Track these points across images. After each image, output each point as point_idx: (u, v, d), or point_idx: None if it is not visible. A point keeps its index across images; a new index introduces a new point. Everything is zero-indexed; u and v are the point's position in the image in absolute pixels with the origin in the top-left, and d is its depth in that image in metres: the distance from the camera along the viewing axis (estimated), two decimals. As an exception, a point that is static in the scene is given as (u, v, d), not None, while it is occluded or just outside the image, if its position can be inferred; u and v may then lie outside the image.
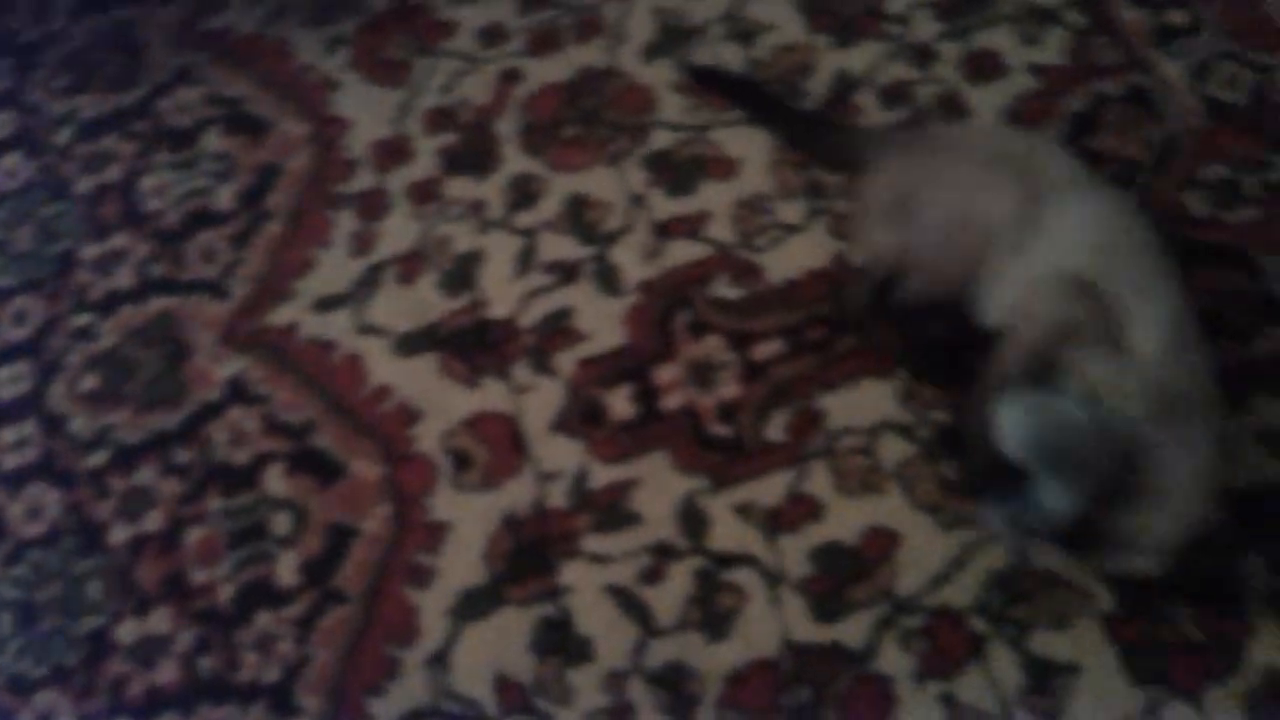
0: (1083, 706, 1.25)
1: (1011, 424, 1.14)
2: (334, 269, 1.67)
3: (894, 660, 1.30)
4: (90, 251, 1.77)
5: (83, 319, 1.72)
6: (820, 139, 1.60)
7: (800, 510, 1.40)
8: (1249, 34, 1.59)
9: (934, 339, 1.42)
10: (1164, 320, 1.20)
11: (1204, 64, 1.58)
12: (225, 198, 1.77)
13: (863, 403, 1.44)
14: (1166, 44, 1.61)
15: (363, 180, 1.73)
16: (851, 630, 1.33)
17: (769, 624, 1.35)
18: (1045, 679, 1.27)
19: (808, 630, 1.34)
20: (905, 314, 1.41)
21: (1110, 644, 1.27)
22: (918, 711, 1.28)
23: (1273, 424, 1.34)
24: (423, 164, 1.73)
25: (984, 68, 1.64)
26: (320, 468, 1.55)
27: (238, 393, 1.62)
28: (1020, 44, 1.64)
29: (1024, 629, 1.29)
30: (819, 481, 1.41)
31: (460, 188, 1.70)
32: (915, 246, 1.36)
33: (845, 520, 1.39)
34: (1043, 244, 1.26)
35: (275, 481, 1.55)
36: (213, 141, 1.83)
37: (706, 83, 1.68)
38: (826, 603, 1.35)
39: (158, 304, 1.72)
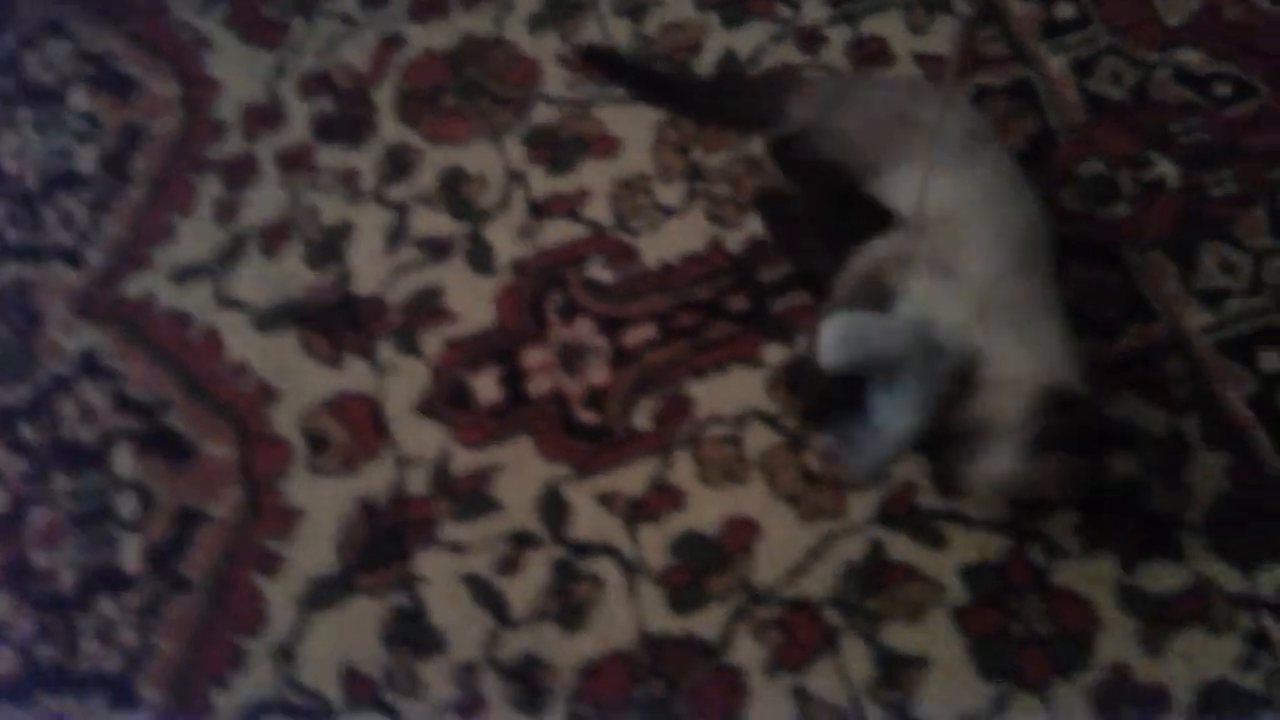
0: (931, 699, 1.26)
1: (831, 339, 1.14)
2: (195, 238, 1.63)
3: (747, 652, 1.31)
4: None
5: (-74, 284, 1.66)
6: (731, 96, 1.57)
7: (663, 500, 1.39)
8: (1135, 30, 1.61)
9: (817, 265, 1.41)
10: (1002, 244, 1.23)
11: (1088, 59, 1.60)
12: (88, 160, 1.72)
13: (731, 391, 1.44)
14: (1053, 37, 1.62)
15: (231, 145, 1.69)
16: (707, 622, 1.33)
17: (625, 615, 1.34)
18: (895, 671, 1.28)
19: (664, 621, 1.33)
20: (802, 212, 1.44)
21: (960, 637, 1.28)
22: (768, 703, 1.28)
23: (1132, 420, 1.37)
24: (295, 130, 1.69)
25: (871, 54, 1.64)
26: (171, 448, 1.51)
27: (89, 367, 1.57)
28: (908, 31, 1.65)
29: (877, 621, 1.30)
30: (683, 471, 1.41)
31: (333, 156, 1.66)
32: (841, 120, 1.36)
33: (707, 511, 1.38)
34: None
35: (124, 461, 1.51)
36: (79, 100, 1.77)
37: (597, 62, 1.66)
38: (684, 594, 1.34)
39: (11, 271, 1.66)
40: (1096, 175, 1.52)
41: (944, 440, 1.17)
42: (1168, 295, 1.43)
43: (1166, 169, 1.51)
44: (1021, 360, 1.17)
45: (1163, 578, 1.29)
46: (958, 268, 1.21)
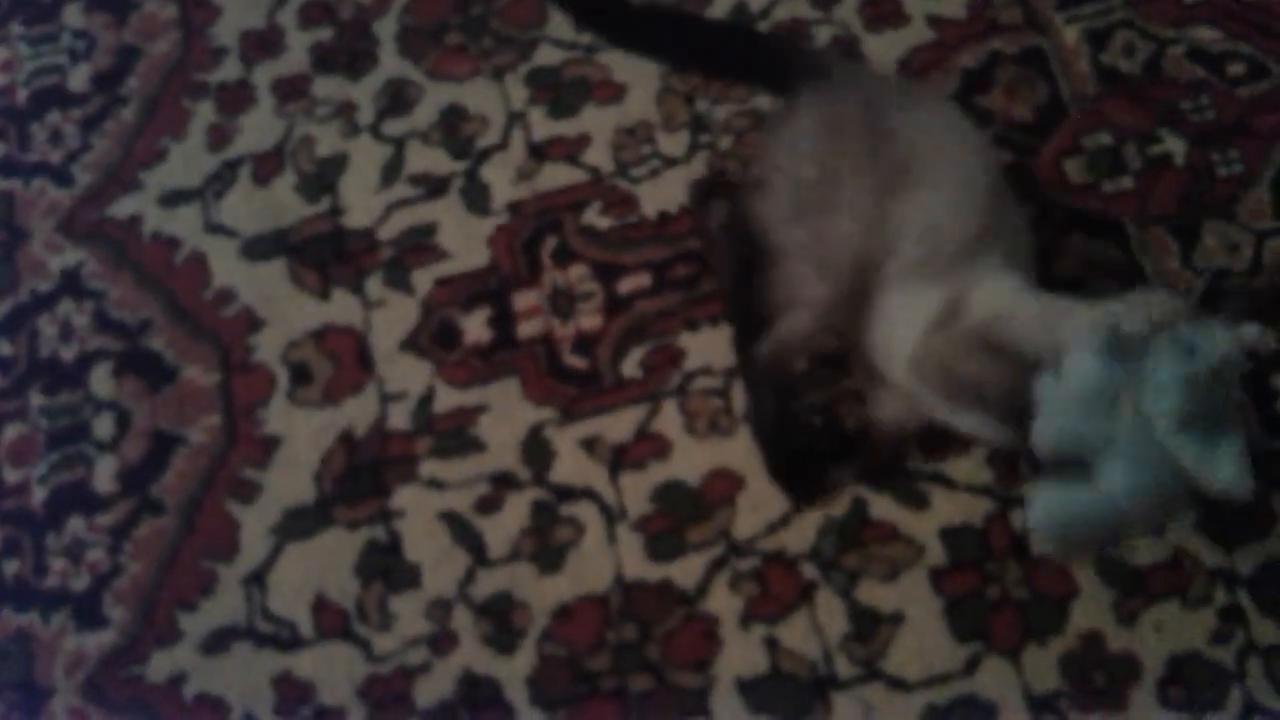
0: (902, 656, 1.31)
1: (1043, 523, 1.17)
2: (186, 162, 1.66)
3: (723, 601, 1.36)
4: (-73, 123, 1.75)
5: (-89, 194, 1.70)
6: (747, 51, 1.59)
7: (647, 448, 1.44)
8: (1152, 4, 1.65)
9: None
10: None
11: (1102, 30, 1.64)
12: (80, 78, 1.75)
13: (722, 344, 1.48)
14: (1068, 7, 1.66)
15: (227, 71, 1.72)
16: (684, 570, 1.38)
17: (603, 560, 1.39)
18: (869, 628, 1.33)
19: (641, 568, 1.38)
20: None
21: (936, 597, 1.33)
22: (741, 652, 1.33)
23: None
24: (293, 58, 1.72)
25: (884, 14, 1.68)
26: (151, 370, 1.55)
27: (71, 285, 1.61)
28: (915, -12, 1.69)
29: (854, 577, 1.35)
30: (669, 421, 1.45)
31: (330, 87, 1.69)
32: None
33: (691, 461, 1.43)
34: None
35: (102, 382, 1.55)
36: (74, 17, 1.80)
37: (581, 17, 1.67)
38: (662, 542, 1.39)
39: (-3, 186, 1.70)
40: (1103, 148, 1.56)
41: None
42: (1169, 271, 1.48)
43: (1174, 145, 1.55)
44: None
45: (1142, 550, 1.34)
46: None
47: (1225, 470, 1.08)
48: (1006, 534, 1.35)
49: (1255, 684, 1.28)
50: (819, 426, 1.44)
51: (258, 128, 1.68)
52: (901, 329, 1.28)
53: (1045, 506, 1.15)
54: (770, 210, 1.36)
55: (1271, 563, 1.33)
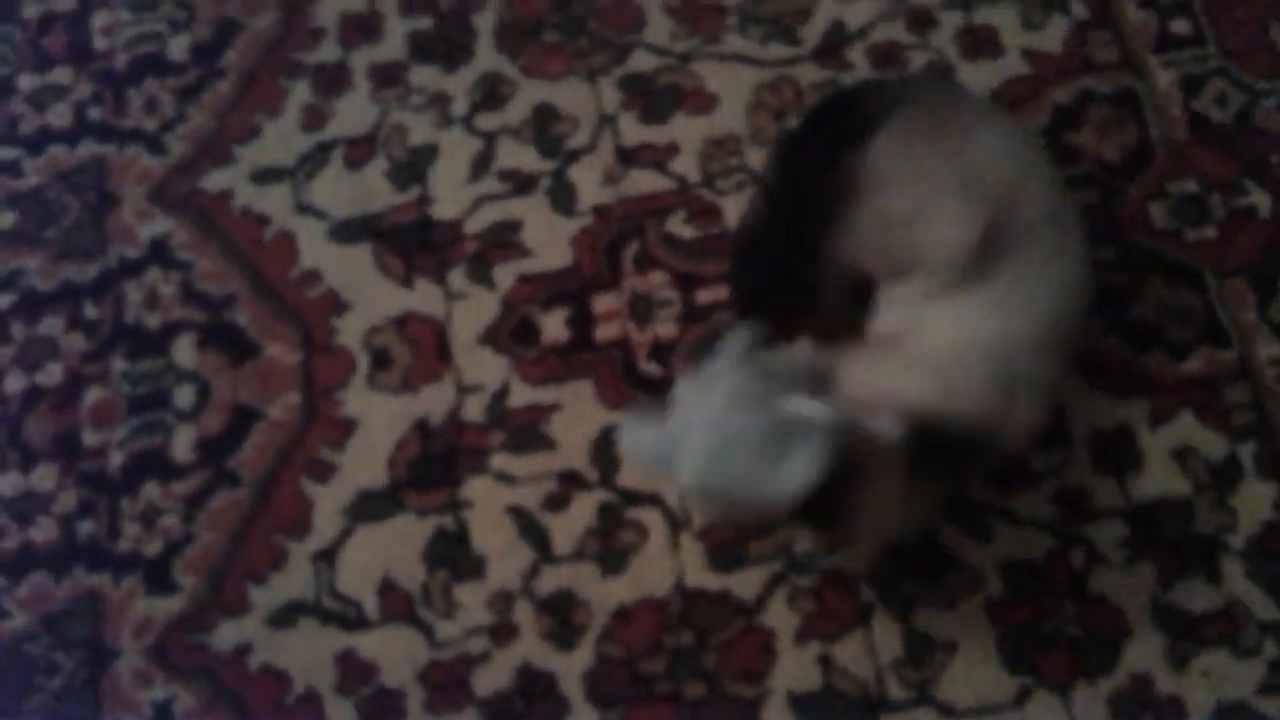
0: (954, 684, 1.40)
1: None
2: (280, 140, 1.77)
3: (780, 616, 1.45)
4: (28, 82, 1.86)
5: (9, 152, 1.81)
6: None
7: (716, 459, 1.54)
8: (1248, 54, 1.73)
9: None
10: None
11: (1197, 77, 1.71)
12: (179, 48, 1.86)
13: (796, 362, 1.58)
14: (1164, 51, 1.74)
15: (326, 52, 1.83)
16: (744, 582, 1.47)
17: (664, 566, 1.49)
18: (923, 653, 1.42)
19: (701, 577, 1.48)
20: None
21: (991, 628, 1.42)
22: (794, 666, 1.42)
23: (1190, 441, 1.50)
24: (391, 45, 1.82)
25: (980, 44, 1.76)
26: (234, 344, 1.66)
27: (159, 254, 1.72)
28: (1020, 26, 1.76)
29: (911, 603, 1.44)
30: (739, 433, 1.55)
31: (426, 77, 1.80)
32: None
33: (758, 475, 1.53)
34: None
35: (184, 352, 1.66)
36: (175, -15, 1.92)
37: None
38: (724, 553, 1.48)
39: (90, 149, 1.80)
40: (1189, 195, 1.64)
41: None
42: (1243, 323, 1.56)
43: (1259, 198, 1.63)
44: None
45: (1197, 597, 1.42)
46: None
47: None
48: (1065, 570, 1.44)
49: (1300, 738, 1.37)
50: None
51: (352, 111, 1.78)
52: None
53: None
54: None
55: (1325, 620, 1.42)
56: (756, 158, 1.70)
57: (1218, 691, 1.38)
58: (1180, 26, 1.76)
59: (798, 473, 1.12)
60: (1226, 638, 1.40)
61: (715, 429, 1.15)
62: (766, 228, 1.46)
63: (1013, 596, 1.43)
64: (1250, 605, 1.41)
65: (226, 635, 1.51)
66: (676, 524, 1.50)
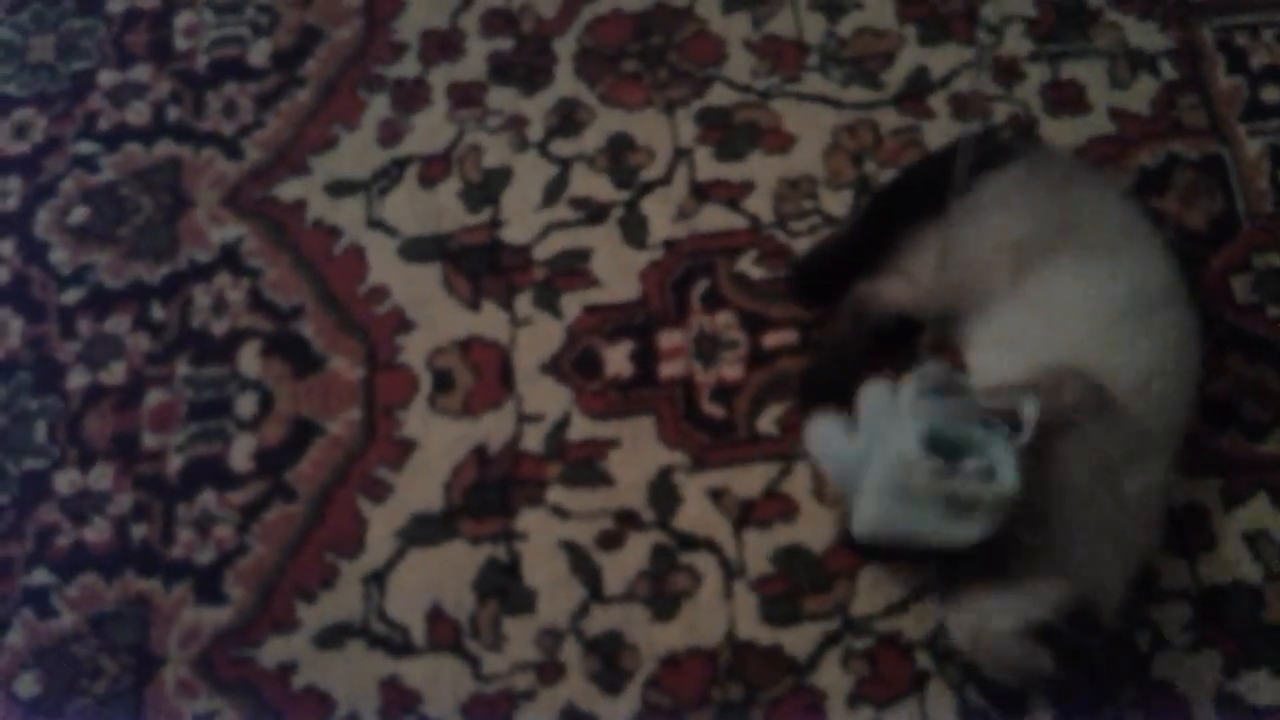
0: (1007, 763, 1.32)
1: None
2: (356, 154, 1.70)
3: (832, 676, 1.37)
4: (109, 78, 1.80)
5: (86, 147, 1.74)
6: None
7: (774, 508, 1.45)
8: (1340, 126, 1.63)
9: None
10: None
11: (1287, 148, 1.62)
12: (260, 53, 1.79)
13: (863, 414, 1.49)
14: (1253, 119, 1.64)
15: (406, 68, 1.76)
16: (797, 639, 1.39)
17: (717, 615, 1.41)
18: (977, 728, 1.34)
19: (754, 630, 1.40)
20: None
21: (1050, 708, 1.33)
22: (844, 732, 1.35)
23: (1263, 524, 1.41)
24: (471, 64, 1.75)
25: (1066, 99, 1.67)
26: (298, 356, 1.59)
27: (230, 260, 1.65)
28: (1108, 84, 1.67)
29: (968, 673, 1.35)
30: (799, 483, 1.46)
31: (504, 99, 1.72)
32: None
33: (817, 528, 1.44)
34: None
35: (249, 360, 1.60)
36: (260, -9, 1.85)
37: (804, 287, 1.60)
38: (779, 606, 1.40)
39: (167, 149, 1.74)
40: (1272, 269, 1.54)
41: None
42: (1323, 405, 1.46)
43: (1347, 273, 1.53)
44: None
45: (1263, 689, 1.33)
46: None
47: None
48: (1130, 654, 1.35)
49: None
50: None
51: (429, 129, 1.71)
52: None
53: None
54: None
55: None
56: (831, 200, 1.61)
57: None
58: (1271, 94, 1.66)
59: (975, 530, 1.13)
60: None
61: (899, 478, 1.14)
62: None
63: (1073, 676, 1.33)
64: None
65: (273, 651, 1.44)
66: (731, 572, 1.42)
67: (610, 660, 1.40)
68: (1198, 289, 1.42)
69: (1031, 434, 1.16)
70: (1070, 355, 1.29)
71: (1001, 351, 1.36)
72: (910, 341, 1.44)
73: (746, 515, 1.45)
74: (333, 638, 1.44)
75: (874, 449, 1.17)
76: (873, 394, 1.20)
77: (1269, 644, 1.35)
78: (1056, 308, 1.33)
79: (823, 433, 1.22)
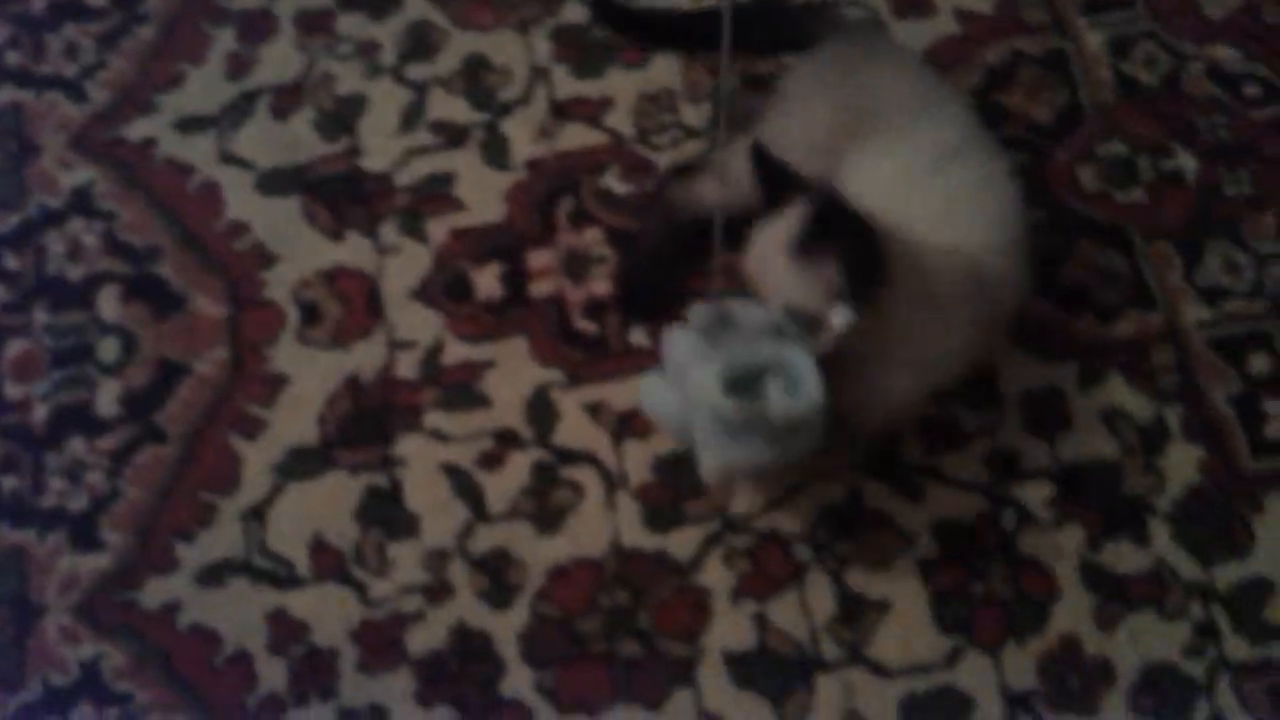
0: (887, 643, 1.34)
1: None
2: (204, 89, 1.63)
3: (716, 575, 1.37)
4: (-64, 23, 1.69)
5: (-80, 97, 1.64)
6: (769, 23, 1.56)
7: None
8: (1176, 18, 1.65)
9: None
10: None
11: (1126, 40, 1.64)
12: (99, -9, 1.71)
13: (732, 320, 1.48)
14: (1094, 12, 1.66)
15: (250, -1, 1.69)
16: (680, 542, 1.39)
17: (600, 525, 1.40)
18: (856, 612, 1.35)
19: (637, 536, 1.39)
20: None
21: (923, 589, 1.36)
22: (730, 627, 1.35)
23: (1118, 403, 1.44)
24: (318, -9, 1.69)
25: (913, 2, 1.66)
26: (159, 298, 1.53)
27: (81, 204, 1.58)
28: (965, -19, 1.68)
29: (845, 563, 1.37)
30: (675, 392, 1.46)
31: (354, 25, 1.66)
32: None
33: (694, 434, 1.44)
34: None
35: (109, 304, 1.53)
36: (94, -71, 1.75)
37: (607, 19, 1.64)
38: (661, 513, 1.40)
39: (8, 95, 1.65)
40: (1118, 157, 1.57)
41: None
42: (1170, 287, 1.50)
43: (1186, 161, 1.57)
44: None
45: (1125, 558, 1.37)
46: None
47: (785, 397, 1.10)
48: (996, 532, 1.38)
49: (1223, 699, 1.32)
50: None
51: (278, 60, 1.64)
52: None
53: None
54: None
55: (1248, 581, 1.36)
56: (692, 114, 1.59)
57: (1144, 653, 1.34)
58: (1111, -11, 1.68)
59: (810, 440, 1.11)
60: (1153, 600, 1.35)
61: (717, 423, 1.09)
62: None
63: (945, 557, 1.37)
64: (1176, 567, 1.37)
65: (155, 593, 1.39)
66: (613, 483, 1.41)
67: (498, 577, 1.38)
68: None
69: (835, 340, 1.12)
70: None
71: None
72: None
73: (624, 427, 1.44)
74: (215, 575, 1.40)
75: (695, 375, 1.13)
76: (672, 343, 1.16)
77: (1128, 516, 1.39)
78: (866, 194, 1.26)
79: (650, 390, 1.19)
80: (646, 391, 1.18)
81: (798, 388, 1.08)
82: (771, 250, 1.12)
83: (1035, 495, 1.39)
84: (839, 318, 1.09)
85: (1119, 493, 1.40)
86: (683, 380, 1.12)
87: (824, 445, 1.12)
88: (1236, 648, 1.34)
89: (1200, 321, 1.48)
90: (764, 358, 1.10)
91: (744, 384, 1.09)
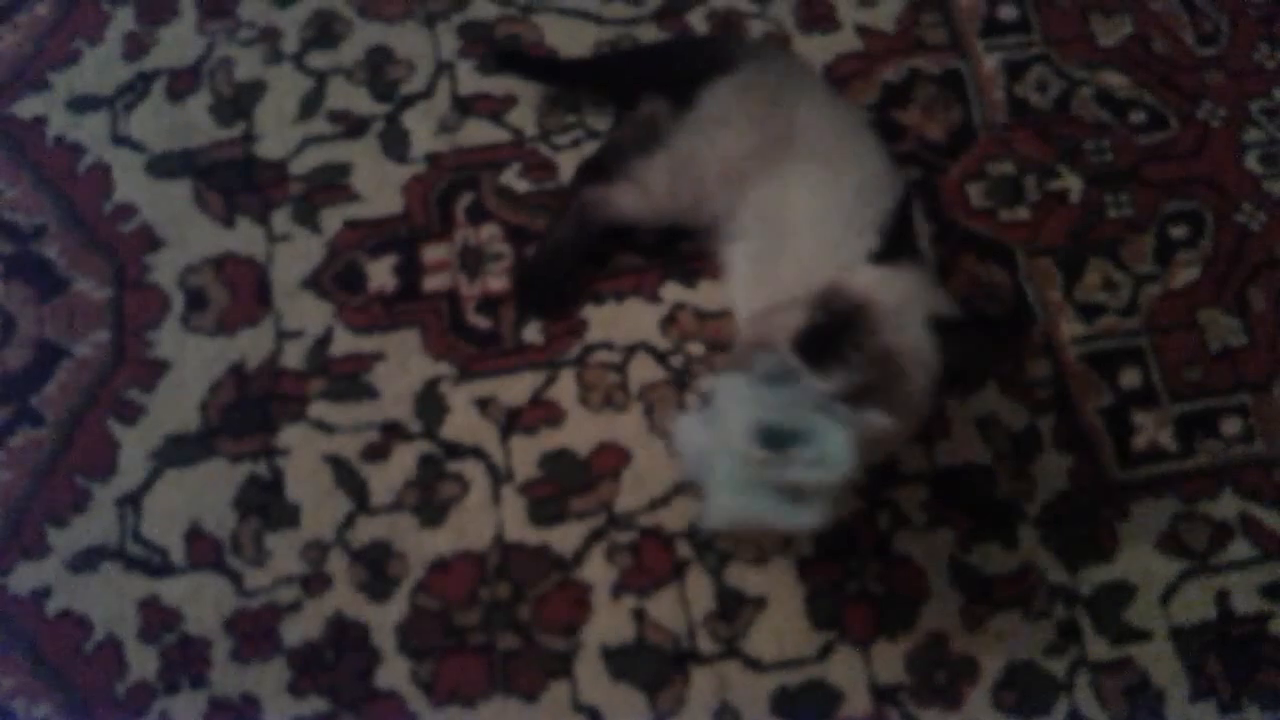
0: (762, 638, 1.37)
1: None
2: (99, 68, 1.62)
3: (598, 570, 1.39)
4: None
5: None
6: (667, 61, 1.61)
7: (540, 414, 1.47)
8: (1069, 44, 1.72)
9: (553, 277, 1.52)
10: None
11: (1020, 63, 1.70)
12: (-9, -34, 1.69)
13: (626, 321, 1.51)
14: (991, 35, 1.72)
15: (151, -21, 1.68)
16: (564, 537, 1.41)
17: (485, 519, 1.41)
18: (733, 608, 1.38)
19: (521, 531, 1.41)
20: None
21: (799, 586, 1.39)
22: (609, 621, 1.37)
23: (992, 411, 1.49)
24: (221, -25, 1.69)
25: (817, 17, 1.71)
26: (41, 278, 1.51)
27: (-36, 179, 1.56)
28: (856, 2, 1.72)
29: (724, 560, 1.40)
30: (565, 390, 1.48)
31: (256, 10, 1.67)
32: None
33: (582, 431, 1.46)
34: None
35: (-12, 283, 1.52)
36: (-13, -102, 1.73)
37: (509, 64, 1.65)
38: (545, 507, 1.42)
39: (-112, 65, 1.63)
40: (1006, 176, 1.63)
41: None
42: (1049, 301, 1.56)
43: (1071, 182, 1.63)
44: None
45: (993, 560, 1.42)
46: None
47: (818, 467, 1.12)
48: (872, 532, 1.42)
49: (1082, 696, 1.37)
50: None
51: (177, 42, 1.64)
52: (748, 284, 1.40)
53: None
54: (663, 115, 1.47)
55: (1110, 585, 1.42)
56: (595, 117, 1.62)
57: (1009, 652, 1.38)
58: (1007, 12, 1.74)
59: (816, 515, 1.12)
60: (1019, 600, 1.40)
61: (736, 470, 1.11)
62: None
63: (821, 555, 1.40)
64: (1043, 570, 1.42)
65: (24, 578, 1.38)
66: (499, 477, 1.43)
67: (378, 568, 1.39)
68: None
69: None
70: (813, 263, 1.29)
71: (753, 270, 1.40)
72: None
73: (513, 422, 1.46)
74: (86, 561, 1.39)
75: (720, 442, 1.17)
76: (722, 383, 1.19)
77: (998, 519, 1.44)
78: (789, 220, 1.35)
79: (686, 427, 1.21)
80: (682, 427, 1.21)
81: (825, 461, 1.10)
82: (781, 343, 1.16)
83: (910, 497, 1.44)
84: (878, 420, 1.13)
85: (990, 497, 1.45)
86: (719, 420, 1.13)
87: (827, 525, 1.13)
88: (1097, 649, 1.39)
89: (1077, 336, 1.54)
90: (806, 423, 1.11)
91: (778, 440, 1.11)
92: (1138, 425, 1.50)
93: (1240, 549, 1.46)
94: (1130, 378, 1.52)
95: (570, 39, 1.67)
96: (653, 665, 1.36)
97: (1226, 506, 1.47)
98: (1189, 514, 1.46)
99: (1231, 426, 1.51)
